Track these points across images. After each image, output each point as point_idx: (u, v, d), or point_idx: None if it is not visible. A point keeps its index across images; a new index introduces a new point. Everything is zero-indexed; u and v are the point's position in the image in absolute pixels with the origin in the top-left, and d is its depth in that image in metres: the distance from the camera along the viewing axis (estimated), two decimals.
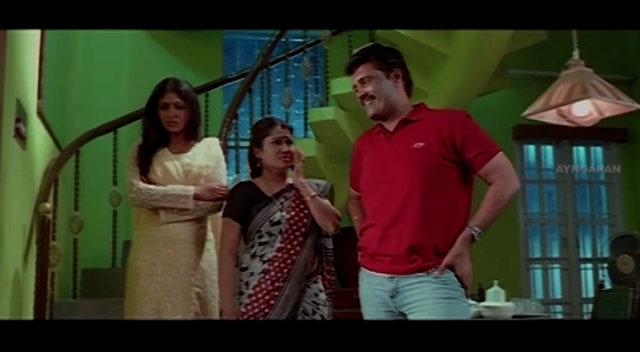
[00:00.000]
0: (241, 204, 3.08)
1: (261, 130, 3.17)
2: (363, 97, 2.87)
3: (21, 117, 3.48)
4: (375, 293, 2.73)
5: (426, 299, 2.61)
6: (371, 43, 3.01)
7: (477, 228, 2.64)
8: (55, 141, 4.77)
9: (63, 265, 4.47)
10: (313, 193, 3.10)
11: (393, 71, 2.86)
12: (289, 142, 3.15)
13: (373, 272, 2.75)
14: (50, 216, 4.09)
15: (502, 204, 2.68)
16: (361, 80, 2.86)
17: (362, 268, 2.82)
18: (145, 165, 3.22)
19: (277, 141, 3.12)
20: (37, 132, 4.14)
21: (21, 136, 3.51)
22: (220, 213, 3.23)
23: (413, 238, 2.65)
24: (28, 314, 3.87)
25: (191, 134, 3.32)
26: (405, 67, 2.92)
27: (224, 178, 3.37)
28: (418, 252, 2.64)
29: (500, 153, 2.74)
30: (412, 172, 2.69)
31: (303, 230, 3.06)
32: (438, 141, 2.71)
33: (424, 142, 2.72)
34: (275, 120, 3.23)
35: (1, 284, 3.24)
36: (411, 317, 2.65)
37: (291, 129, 3.20)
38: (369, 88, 2.84)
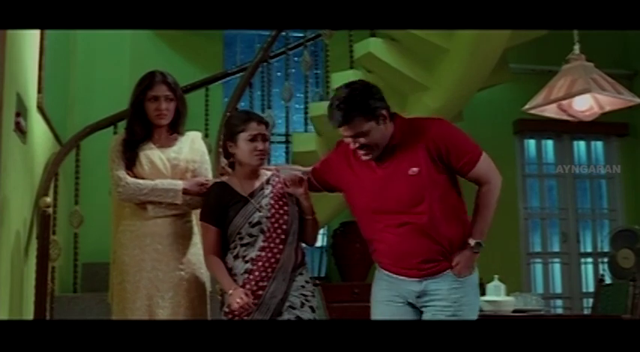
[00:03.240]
0: (216, 207, 3.01)
1: (236, 125, 3.06)
2: (358, 148, 2.86)
3: (21, 112, 3.48)
4: (399, 292, 2.90)
5: (448, 304, 2.84)
6: (345, 91, 2.86)
7: (476, 240, 2.88)
8: (55, 136, 4.77)
9: (63, 259, 4.48)
10: (315, 214, 3.10)
11: (381, 116, 2.84)
12: (265, 140, 3.06)
13: (400, 277, 2.90)
14: (50, 210, 4.10)
15: (492, 208, 2.92)
16: (356, 135, 2.83)
17: (383, 270, 2.95)
18: (131, 158, 3.17)
19: (253, 138, 3.02)
20: (37, 126, 4.14)
21: (21, 130, 3.51)
22: None
23: (434, 248, 2.84)
24: (29, 309, 3.88)
25: (175, 128, 3.29)
26: (385, 101, 2.88)
27: (209, 173, 3.34)
28: (441, 256, 2.86)
29: (483, 156, 2.90)
30: (415, 196, 2.82)
31: (284, 227, 3.00)
32: (430, 161, 2.83)
33: (418, 167, 2.83)
34: (252, 115, 3.14)
35: (1, 278, 3.24)
36: (428, 316, 2.87)
37: (267, 125, 3.11)
38: (363, 140, 2.83)
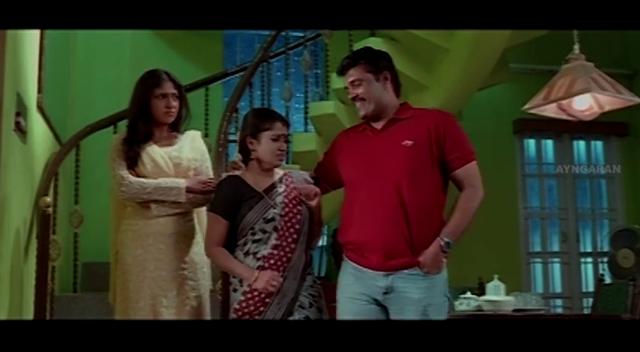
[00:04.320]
0: (230, 201, 3.00)
1: (260, 122, 3.05)
2: (354, 99, 3.00)
3: (21, 111, 3.48)
4: (365, 285, 2.86)
5: (417, 302, 2.81)
6: (363, 47, 3.16)
7: (446, 239, 2.82)
8: (55, 136, 4.77)
9: (63, 259, 4.48)
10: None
11: (382, 74, 2.98)
12: (286, 140, 3.09)
13: (364, 268, 2.87)
14: (50, 210, 4.09)
15: (470, 215, 2.89)
16: (352, 82, 3.01)
17: (349, 261, 2.94)
18: (133, 158, 3.16)
19: (277, 138, 3.03)
20: (37, 126, 4.14)
21: (21, 130, 3.51)
22: (204, 207, 3.24)
23: (402, 234, 2.81)
24: (29, 309, 3.88)
25: (176, 126, 3.29)
26: (394, 70, 3.04)
27: (211, 171, 3.35)
28: (408, 246, 2.81)
29: (474, 162, 2.93)
30: (401, 169, 2.84)
31: (297, 227, 2.99)
32: (427, 140, 2.87)
33: (413, 141, 2.87)
34: (277, 115, 3.13)
35: (1, 278, 3.24)
36: (391, 313, 2.84)
37: (288, 127, 3.12)
38: (359, 90, 2.98)
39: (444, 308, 2.89)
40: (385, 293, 2.82)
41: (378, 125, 2.97)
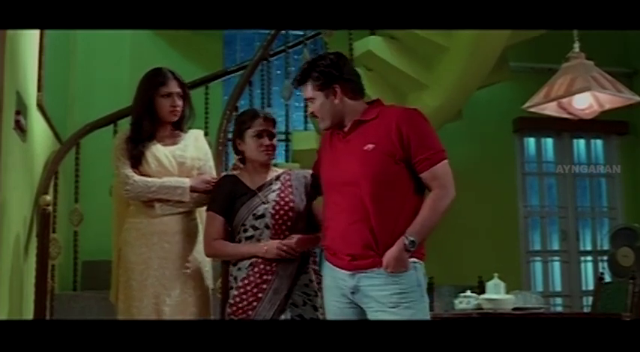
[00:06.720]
0: (225, 199, 3.05)
1: (243, 122, 3.12)
2: (311, 115, 2.98)
3: (21, 110, 3.48)
4: (338, 285, 2.85)
5: (386, 303, 2.73)
6: (313, 58, 3.06)
7: (411, 238, 2.71)
8: (55, 134, 4.77)
9: (63, 257, 4.48)
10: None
11: (332, 88, 2.87)
12: (271, 135, 3.10)
13: (336, 268, 2.85)
14: (50, 208, 4.10)
15: (438, 214, 2.76)
16: (307, 99, 2.97)
17: (326, 261, 2.93)
18: (137, 157, 3.16)
19: (258, 135, 3.07)
20: (37, 124, 4.14)
21: (21, 129, 3.51)
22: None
23: (367, 237, 2.75)
24: (29, 307, 3.88)
25: (179, 125, 3.29)
26: (345, 78, 2.91)
27: (214, 170, 3.36)
28: (373, 249, 2.75)
29: (444, 161, 2.79)
30: (363, 174, 2.77)
31: (289, 224, 3.02)
32: (388, 141, 2.77)
33: (374, 144, 2.79)
34: (258, 112, 3.17)
35: (1, 277, 3.24)
36: (370, 316, 2.77)
37: (274, 122, 3.14)
38: (312, 108, 2.93)
39: (419, 306, 2.75)
40: (352, 292, 2.79)
41: (345, 128, 2.90)
